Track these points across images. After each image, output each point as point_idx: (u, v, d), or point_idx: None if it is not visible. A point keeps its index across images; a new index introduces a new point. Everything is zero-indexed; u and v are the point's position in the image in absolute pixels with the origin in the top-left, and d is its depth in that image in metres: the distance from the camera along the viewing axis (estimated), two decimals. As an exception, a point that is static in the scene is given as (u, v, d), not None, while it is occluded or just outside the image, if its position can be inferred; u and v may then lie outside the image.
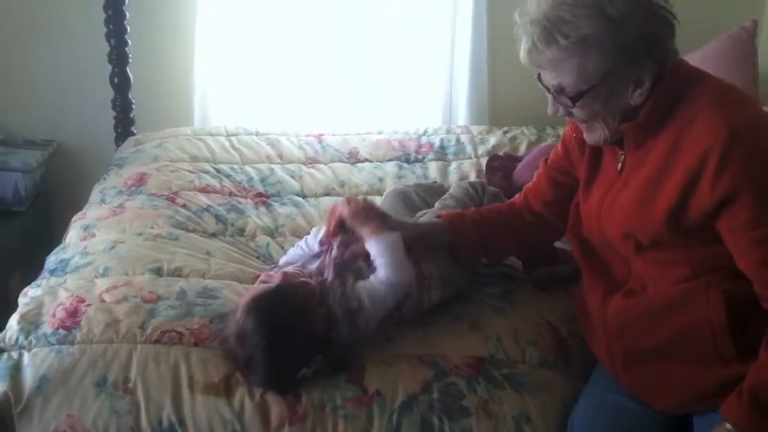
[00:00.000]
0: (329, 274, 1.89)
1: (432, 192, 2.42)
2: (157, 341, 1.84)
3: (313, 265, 1.97)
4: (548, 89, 1.64)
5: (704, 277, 1.61)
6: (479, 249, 2.03)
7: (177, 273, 2.11)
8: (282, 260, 2.12)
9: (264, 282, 1.88)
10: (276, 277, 1.88)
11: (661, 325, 1.67)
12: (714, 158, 1.49)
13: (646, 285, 1.71)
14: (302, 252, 2.08)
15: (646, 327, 1.69)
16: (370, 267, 1.89)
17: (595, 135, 1.69)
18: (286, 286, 1.82)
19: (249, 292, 1.85)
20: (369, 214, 1.92)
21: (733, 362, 1.58)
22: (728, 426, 1.53)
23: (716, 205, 1.51)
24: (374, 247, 1.87)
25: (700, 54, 2.83)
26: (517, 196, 2.07)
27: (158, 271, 2.11)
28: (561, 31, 1.53)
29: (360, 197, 1.98)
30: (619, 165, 1.70)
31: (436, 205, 2.24)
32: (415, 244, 1.94)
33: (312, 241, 2.06)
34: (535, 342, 1.92)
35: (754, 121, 1.53)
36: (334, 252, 1.93)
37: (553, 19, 1.53)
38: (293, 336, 1.75)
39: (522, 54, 1.60)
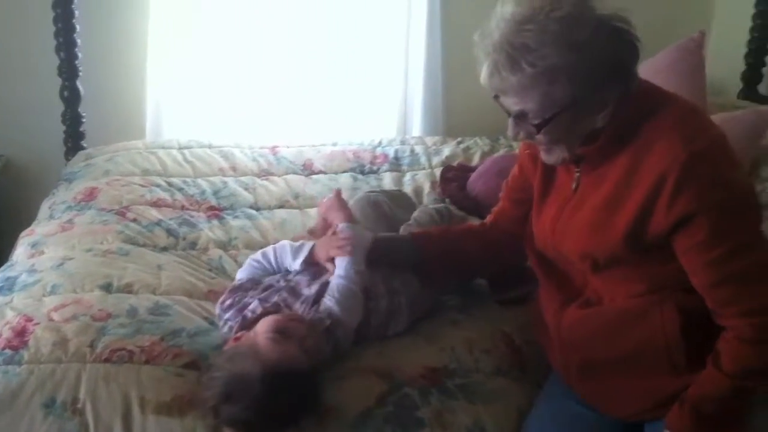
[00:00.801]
0: (305, 309, 1.89)
1: (396, 200, 2.44)
2: (107, 360, 1.80)
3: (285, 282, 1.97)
4: (509, 113, 1.60)
5: (660, 292, 1.62)
6: (444, 266, 2.02)
7: (127, 289, 2.09)
8: (240, 274, 2.09)
9: (296, 319, 1.82)
10: (303, 323, 1.82)
11: (616, 338, 1.68)
12: (671, 181, 1.49)
13: (602, 296, 1.72)
14: (262, 266, 2.06)
15: (602, 339, 1.70)
16: None
17: (552, 157, 1.66)
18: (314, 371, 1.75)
19: (279, 344, 1.73)
20: (341, 204, 2.02)
21: (686, 372, 1.60)
22: None
23: (672, 227, 1.52)
24: (345, 232, 1.93)
25: (650, 64, 2.85)
26: (489, 216, 2.06)
27: (108, 288, 2.08)
28: (526, 59, 1.48)
29: (336, 189, 2.10)
30: (574, 183, 1.69)
31: (401, 230, 2.24)
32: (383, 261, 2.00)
33: (289, 260, 2.04)
34: (489, 351, 1.93)
35: (713, 146, 1.52)
36: (310, 290, 1.92)
37: (518, 46, 1.48)
38: (289, 418, 1.70)
39: (483, 78, 1.56)
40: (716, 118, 2.43)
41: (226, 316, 1.91)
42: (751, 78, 3.27)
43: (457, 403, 1.80)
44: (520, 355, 1.95)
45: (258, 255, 2.10)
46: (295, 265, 2.03)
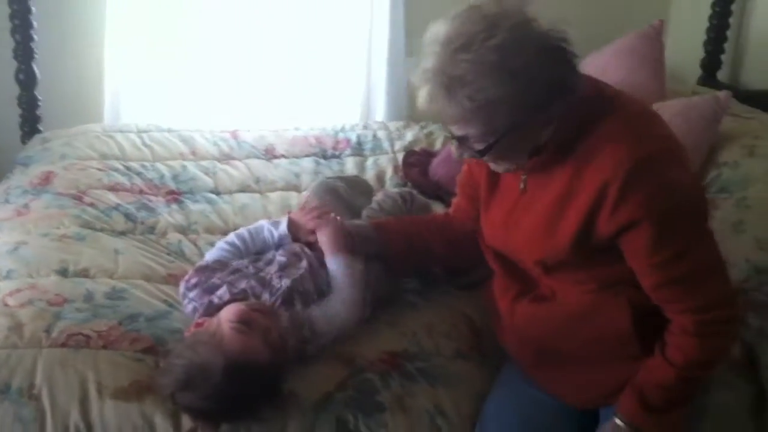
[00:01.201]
0: (275, 301, 1.85)
1: (353, 185, 2.43)
2: (63, 345, 1.78)
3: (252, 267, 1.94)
4: (451, 135, 1.57)
5: (611, 288, 1.64)
6: (407, 259, 2.02)
7: (83, 274, 2.07)
8: (208, 257, 2.05)
9: (261, 310, 1.79)
10: (268, 314, 1.79)
11: (569, 332, 1.70)
12: (614, 189, 1.48)
13: (555, 291, 1.73)
14: (235, 249, 2.03)
15: (555, 333, 1.72)
16: (317, 289, 1.90)
17: (500, 168, 1.66)
18: (278, 361, 1.73)
19: (242, 335, 1.71)
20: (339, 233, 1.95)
21: (641, 360, 1.62)
22: (617, 420, 1.61)
23: (615, 232, 1.52)
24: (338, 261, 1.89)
25: (611, 50, 2.89)
26: (451, 207, 2.05)
27: (64, 273, 2.05)
28: (464, 92, 1.43)
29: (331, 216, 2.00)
30: (522, 184, 1.68)
31: (363, 214, 2.22)
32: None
33: (266, 232, 2.03)
34: (449, 334, 1.93)
35: (659, 151, 1.51)
36: (280, 283, 1.88)
37: (454, 77, 1.43)
38: (248, 408, 1.69)
39: (421, 104, 1.51)
40: (675, 103, 2.47)
41: (191, 295, 1.88)
42: (710, 65, 3.30)
43: (418, 387, 1.80)
44: (480, 338, 1.95)
45: (231, 237, 2.06)
46: (278, 232, 2.01)
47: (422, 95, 1.50)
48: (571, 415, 1.75)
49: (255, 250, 2.04)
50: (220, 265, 1.97)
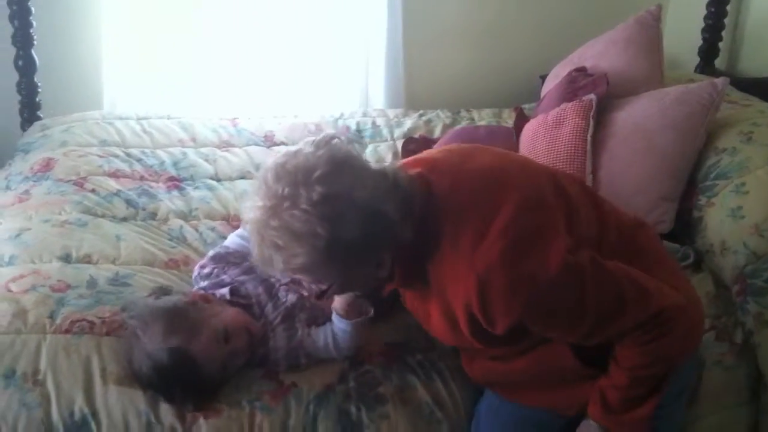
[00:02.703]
0: (276, 319, 1.83)
1: None
2: (67, 331, 1.80)
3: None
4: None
5: (545, 341, 1.64)
6: None
7: (86, 260, 2.08)
8: (230, 243, 2.03)
9: (249, 335, 1.78)
10: (248, 347, 1.78)
11: (527, 376, 1.72)
12: (477, 310, 1.48)
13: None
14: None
15: (515, 379, 1.74)
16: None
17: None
18: (216, 381, 1.73)
19: (213, 344, 1.72)
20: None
21: (599, 375, 1.65)
22: (589, 420, 1.65)
23: (507, 331, 1.51)
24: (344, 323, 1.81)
25: (609, 37, 2.89)
26: None
27: (66, 258, 2.06)
28: (280, 257, 1.42)
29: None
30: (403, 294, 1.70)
31: None
32: None
33: None
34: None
35: (496, 256, 1.45)
36: (285, 298, 1.86)
37: (269, 242, 1.42)
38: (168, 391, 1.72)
39: (251, 249, 1.49)
40: (673, 90, 2.47)
41: (202, 284, 1.89)
42: (707, 53, 3.30)
43: (417, 380, 1.82)
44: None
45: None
46: None
47: (250, 242, 1.49)
48: (561, 416, 1.77)
49: None
50: (236, 257, 1.95)
